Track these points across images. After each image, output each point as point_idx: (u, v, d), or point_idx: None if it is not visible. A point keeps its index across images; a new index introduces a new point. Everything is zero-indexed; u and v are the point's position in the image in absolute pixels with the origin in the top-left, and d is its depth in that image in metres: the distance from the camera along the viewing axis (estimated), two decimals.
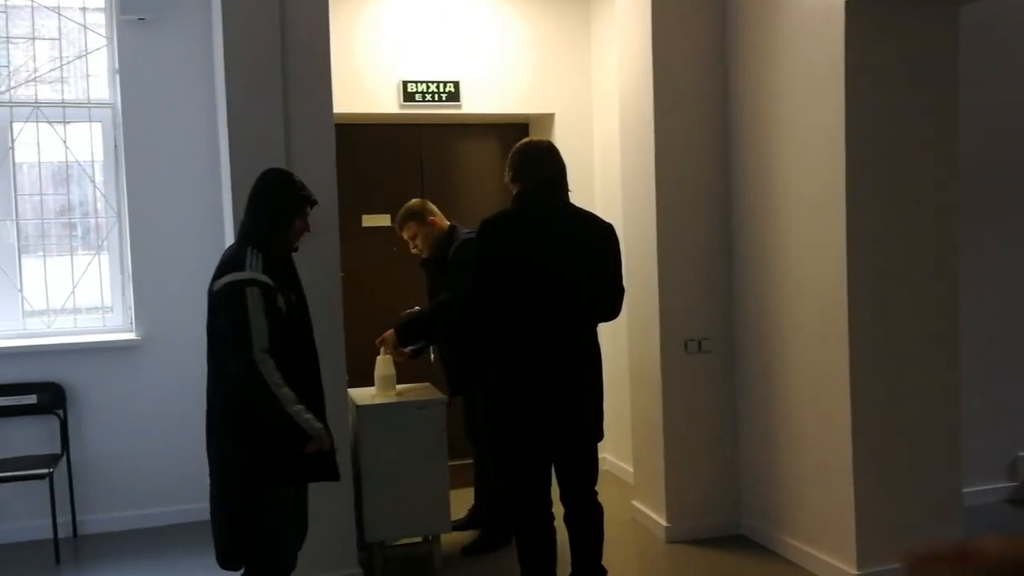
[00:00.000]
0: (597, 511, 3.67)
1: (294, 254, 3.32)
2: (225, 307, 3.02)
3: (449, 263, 4.56)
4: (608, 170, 5.80)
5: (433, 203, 4.81)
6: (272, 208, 3.18)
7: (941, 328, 4.13)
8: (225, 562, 3.16)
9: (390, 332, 4.48)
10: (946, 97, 4.08)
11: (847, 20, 3.86)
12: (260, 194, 3.22)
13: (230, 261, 3.08)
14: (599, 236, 3.62)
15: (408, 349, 4.54)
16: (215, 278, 3.10)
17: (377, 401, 4.35)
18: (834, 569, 4.11)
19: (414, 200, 4.77)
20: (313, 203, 3.28)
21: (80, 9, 5.19)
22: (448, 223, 4.72)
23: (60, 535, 4.81)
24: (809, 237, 4.19)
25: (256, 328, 2.96)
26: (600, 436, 3.65)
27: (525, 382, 3.46)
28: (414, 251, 4.76)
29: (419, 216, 4.66)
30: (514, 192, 3.67)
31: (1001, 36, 5.13)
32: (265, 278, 3.04)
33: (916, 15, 3.96)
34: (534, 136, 6.11)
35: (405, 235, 4.71)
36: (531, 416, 3.47)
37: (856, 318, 3.96)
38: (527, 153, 3.67)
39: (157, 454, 5.16)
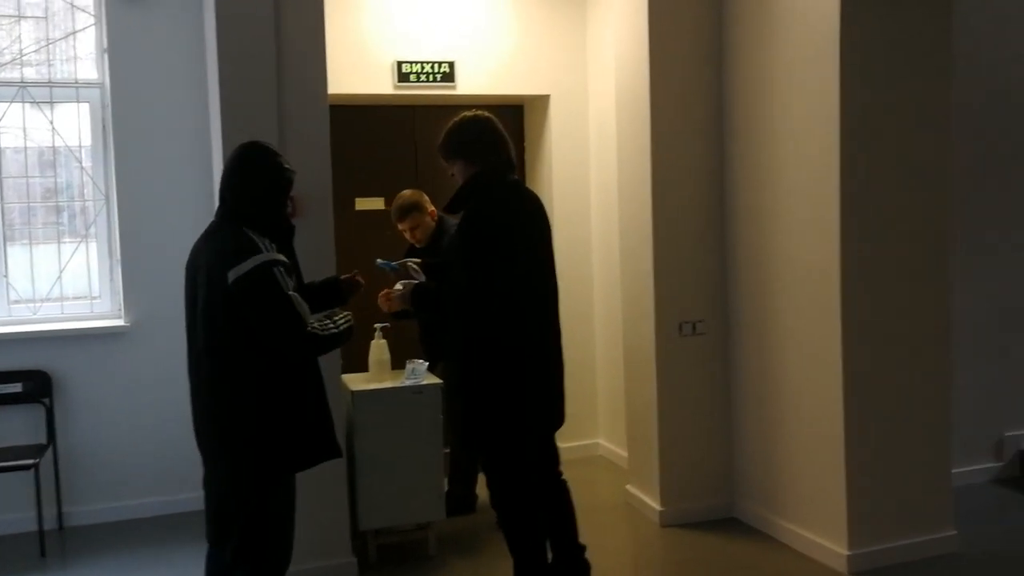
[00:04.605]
0: (567, 488, 3.71)
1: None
2: (255, 295, 2.87)
3: (445, 251, 4.49)
4: (603, 152, 5.75)
5: (427, 187, 4.77)
6: (263, 186, 3.04)
7: (932, 309, 4.16)
8: (236, 556, 3.02)
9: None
10: (939, 80, 4.09)
11: None
12: (247, 170, 3.06)
13: (241, 247, 2.90)
14: (546, 214, 3.62)
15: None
16: (223, 266, 2.89)
17: (372, 386, 4.31)
18: (825, 550, 4.13)
19: (410, 192, 4.76)
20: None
21: None
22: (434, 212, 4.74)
23: (46, 527, 4.72)
24: (802, 219, 4.19)
25: (298, 303, 2.91)
26: None
27: (531, 364, 3.44)
28: (411, 241, 4.74)
29: (420, 208, 4.68)
30: (461, 172, 3.48)
31: (999, 23, 5.18)
32: (283, 257, 2.98)
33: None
34: (531, 117, 6.07)
35: (405, 226, 4.69)
36: (538, 395, 3.47)
37: (849, 299, 3.98)
38: (484, 130, 3.49)
39: (146, 444, 5.09)
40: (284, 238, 3.11)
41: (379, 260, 3.77)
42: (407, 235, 4.73)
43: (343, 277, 3.51)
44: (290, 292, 2.91)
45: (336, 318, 3.10)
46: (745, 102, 4.55)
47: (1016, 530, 4.58)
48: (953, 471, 4.33)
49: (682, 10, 4.63)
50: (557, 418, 3.59)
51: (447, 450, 4.59)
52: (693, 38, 4.66)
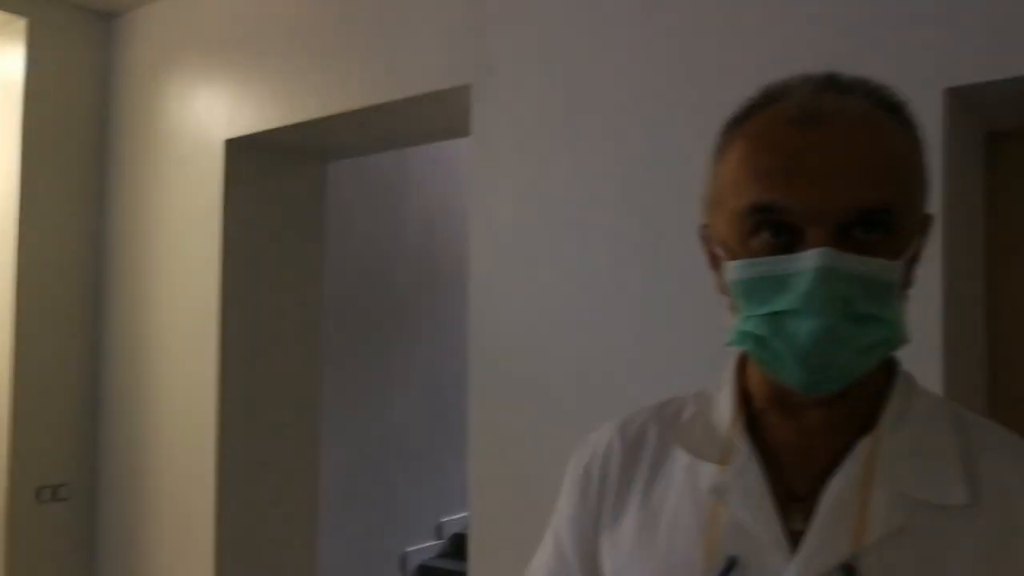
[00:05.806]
0: None
1: None
2: None
3: None
4: None
5: None
6: None
7: (305, 472, 4.24)
8: None
9: None
10: (313, 242, 4.30)
11: (226, 160, 3.89)
12: None
13: None
14: None
15: None
16: None
17: None
18: None
19: None
20: None
21: None
22: None
23: None
24: (182, 376, 4.05)
25: None
26: None
27: None
28: None
29: None
30: None
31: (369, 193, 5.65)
32: None
33: (288, 165, 4.15)
34: None
35: None
36: None
37: (224, 462, 3.88)
38: None
39: None
40: None
41: None
42: None
43: None
44: None
45: None
46: (128, 252, 4.31)
47: None
48: None
49: (59, 147, 4.28)
50: None
51: None
52: (72, 176, 4.33)
